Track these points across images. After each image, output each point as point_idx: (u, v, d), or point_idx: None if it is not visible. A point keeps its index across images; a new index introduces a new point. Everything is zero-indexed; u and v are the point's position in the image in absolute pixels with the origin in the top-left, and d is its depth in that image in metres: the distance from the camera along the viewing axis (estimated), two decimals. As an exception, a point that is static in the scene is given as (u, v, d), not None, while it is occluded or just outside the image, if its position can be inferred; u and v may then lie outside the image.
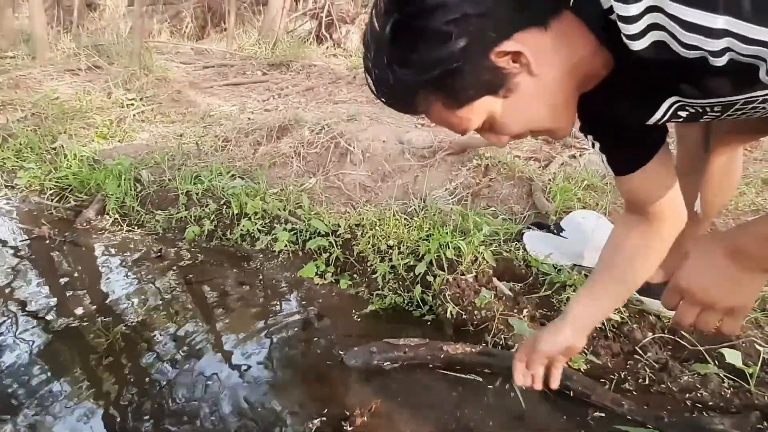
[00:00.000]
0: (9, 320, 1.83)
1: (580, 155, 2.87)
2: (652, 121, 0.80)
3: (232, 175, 2.69)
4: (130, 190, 2.66)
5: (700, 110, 0.76)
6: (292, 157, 2.92)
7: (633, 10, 0.61)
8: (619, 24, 0.64)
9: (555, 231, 2.05)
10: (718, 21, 0.56)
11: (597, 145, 0.94)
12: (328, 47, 6.59)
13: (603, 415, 1.37)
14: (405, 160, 2.83)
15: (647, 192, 0.96)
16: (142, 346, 1.70)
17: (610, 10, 0.63)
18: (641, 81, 0.73)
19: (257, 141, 3.14)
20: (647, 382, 1.46)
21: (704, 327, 0.79)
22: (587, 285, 1.05)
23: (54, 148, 3.41)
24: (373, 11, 0.74)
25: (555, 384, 1.07)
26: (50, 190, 2.77)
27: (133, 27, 5.84)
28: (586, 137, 0.95)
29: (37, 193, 2.82)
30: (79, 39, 6.20)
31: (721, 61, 0.60)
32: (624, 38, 0.65)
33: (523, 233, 2.11)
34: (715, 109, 0.74)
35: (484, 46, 0.68)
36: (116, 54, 5.16)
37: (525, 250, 1.99)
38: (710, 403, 1.38)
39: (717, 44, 0.58)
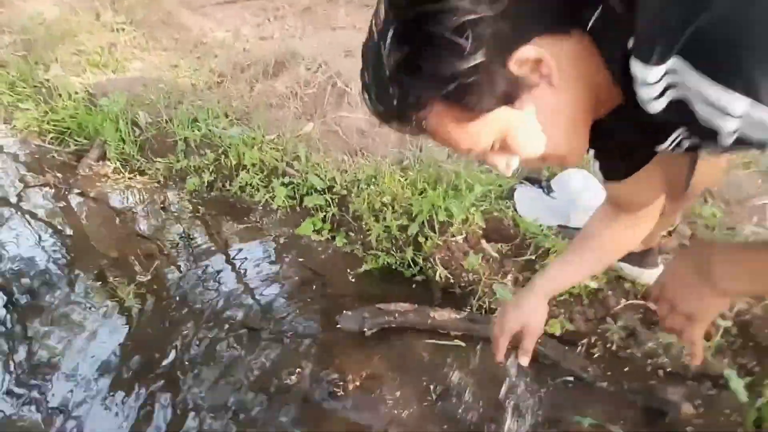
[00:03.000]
0: (17, 274, 1.96)
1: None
2: (658, 149, 0.79)
3: (229, 120, 2.68)
4: (128, 134, 2.67)
5: (700, 145, 0.75)
6: (289, 98, 2.88)
7: (652, 76, 0.57)
8: (637, 85, 0.60)
9: (546, 191, 2.10)
10: (740, 103, 0.52)
11: (591, 151, 0.91)
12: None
13: (570, 379, 1.52)
14: (403, 103, 2.79)
15: (631, 197, 0.99)
16: (151, 300, 1.84)
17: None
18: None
19: (253, 78, 3.07)
20: (615, 348, 1.60)
21: (671, 325, 0.83)
22: (562, 258, 1.12)
23: (48, 80, 3.35)
24: (373, 20, 0.66)
25: (525, 361, 1.09)
26: (49, 133, 2.78)
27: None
28: None
29: (36, 134, 2.84)
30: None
31: (729, 140, 0.58)
32: (639, 99, 0.61)
33: (514, 189, 2.16)
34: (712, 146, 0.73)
35: (502, 51, 0.62)
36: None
37: (515, 209, 2.06)
38: (669, 369, 1.53)
39: (731, 124, 0.55)
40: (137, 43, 3.84)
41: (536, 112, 0.68)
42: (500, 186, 2.16)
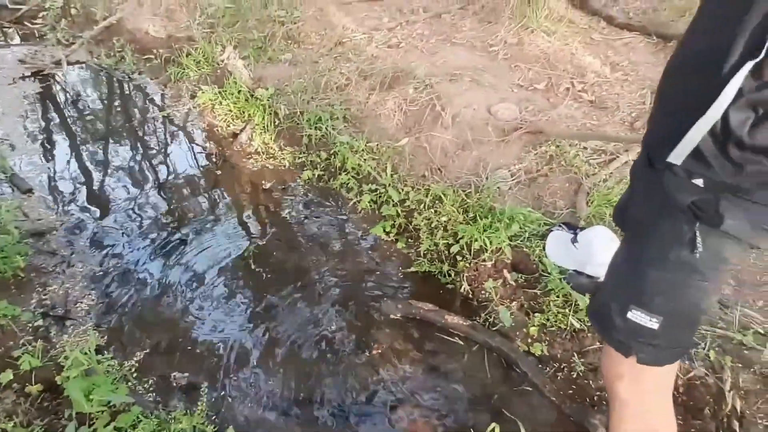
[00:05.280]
0: (182, 209, 2.90)
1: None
2: None
3: (345, 125, 3.40)
4: (270, 124, 3.52)
5: None
6: (395, 112, 3.51)
7: None
8: None
9: (572, 240, 2.54)
10: None
11: None
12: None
13: (530, 389, 2.06)
14: (486, 132, 3.29)
15: None
16: (264, 252, 2.67)
17: None
18: None
19: (371, 88, 3.74)
20: (575, 376, 2.10)
21: None
22: None
23: (223, 61, 4.34)
24: None
25: None
26: (218, 113, 3.73)
27: None
28: None
29: (210, 110, 3.81)
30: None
31: None
32: None
33: (550, 230, 2.62)
34: None
35: None
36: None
37: (544, 248, 2.54)
38: (610, 403, 2.00)
39: None
40: (291, 35, 4.68)
41: None
42: (539, 226, 2.64)
